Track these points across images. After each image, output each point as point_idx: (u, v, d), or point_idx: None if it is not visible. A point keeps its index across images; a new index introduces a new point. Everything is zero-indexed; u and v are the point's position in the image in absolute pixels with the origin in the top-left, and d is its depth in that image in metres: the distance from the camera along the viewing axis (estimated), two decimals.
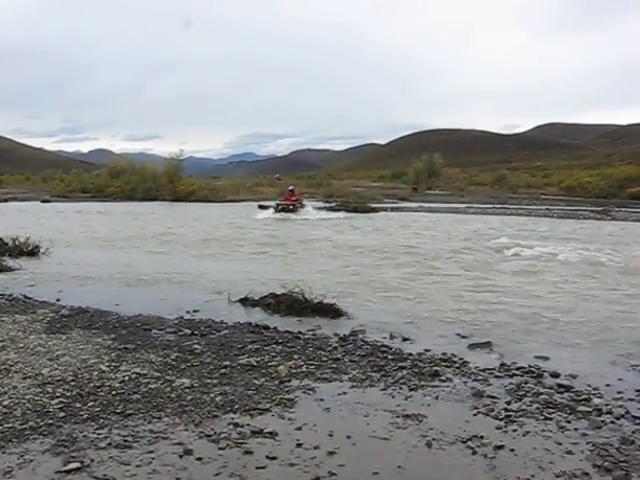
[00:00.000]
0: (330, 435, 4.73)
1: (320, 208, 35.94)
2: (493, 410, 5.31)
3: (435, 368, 6.41)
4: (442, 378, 6.15)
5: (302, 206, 32.73)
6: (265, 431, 4.73)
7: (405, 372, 6.30)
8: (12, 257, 14.04)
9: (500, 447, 4.54)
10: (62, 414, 5.00)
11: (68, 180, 68.22)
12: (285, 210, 30.88)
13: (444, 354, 6.96)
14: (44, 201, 46.45)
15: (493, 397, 5.64)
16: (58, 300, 9.70)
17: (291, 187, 34.96)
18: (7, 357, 6.49)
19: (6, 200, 45.85)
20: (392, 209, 39.14)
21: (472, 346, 7.37)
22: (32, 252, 15.26)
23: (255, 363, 6.44)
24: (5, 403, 5.19)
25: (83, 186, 58.99)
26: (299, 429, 4.84)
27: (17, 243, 15.56)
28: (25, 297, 9.86)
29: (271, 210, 31.40)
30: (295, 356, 6.75)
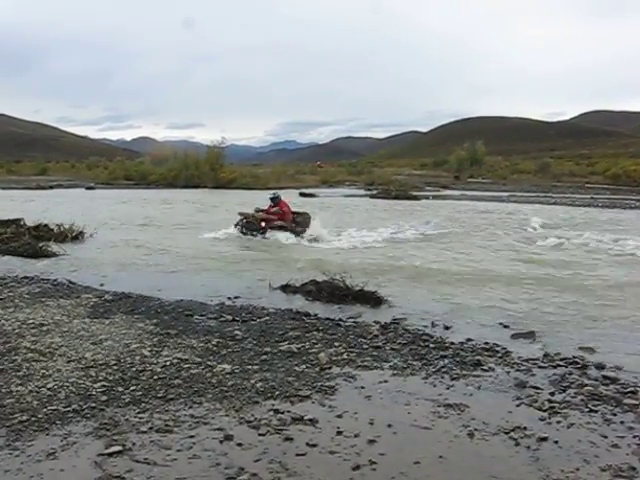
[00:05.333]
0: (371, 423, 4.69)
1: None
2: (536, 401, 5.22)
3: (477, 357, 6.33)
4: (484, 368, 6.07)
5: (297, 228, 17.46)
6: (305, 418, 4.71)
7: (447, 361, 6.23)
8: (57, 242, 14.29)
9: (544, 439, 4.45)
10: (105, 397, 5.05)
11: (112, 168, 69.16)
12: (251, 229, 17.21)
13: (486, 343, 6.86)
14: (88, 188, 47.08)
15: (536, 388, 5.54)
16: (101, 285, 9.83)
17: (272, 192, 18.89)
18: (52, 341, 6.58)
19: (51, 187, 46.59)
20: (433, 197, 38.85)
21: (515, 336, 7.26)
22: (76, 237, 15.48)
23: (296, 350, 6.43)
24: (49, 386, 5.26)
25: (126, 174, 59.70)
26: (339, 417, 4.81)
27: (62, 229, 15.81)
28: (69, 282, 10.00)
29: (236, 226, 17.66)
30: (336, 343, 6.72)
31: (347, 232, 18.32)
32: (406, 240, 17.38)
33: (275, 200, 18.09)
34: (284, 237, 16.72)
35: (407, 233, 18.88)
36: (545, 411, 5.00)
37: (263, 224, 17.30)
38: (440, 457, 4.16)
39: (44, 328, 7.10)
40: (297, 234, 17.01)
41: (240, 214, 17.86)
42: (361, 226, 19.83)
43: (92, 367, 5.78)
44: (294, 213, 18.00)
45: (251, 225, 17.34)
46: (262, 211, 17.92)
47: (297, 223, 17.66)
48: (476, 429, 4.62)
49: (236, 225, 17.49)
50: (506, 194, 41.64)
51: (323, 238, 17.02)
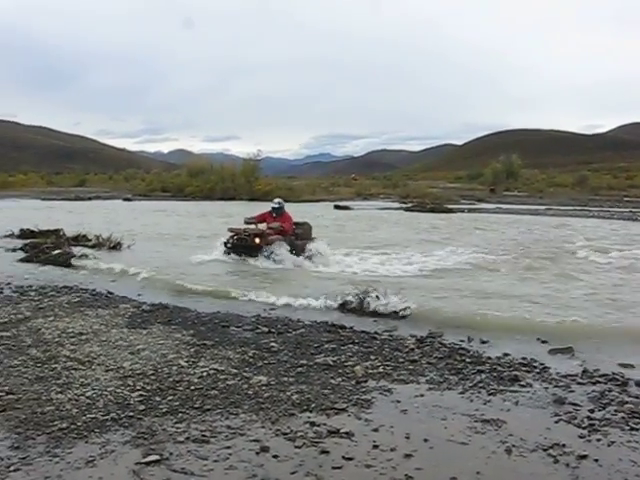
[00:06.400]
0: (407, 437, 4.66)
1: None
2: (575, 418, 5.13)
3: (515, 373, 6.24)
4: (522, 383, 5.99)
5: (297, 241, 14.69)
6: (342, 431, 4.70)
7: (484, 376, 6.17)
8: (95, 252, 14.55)
9: (583, 457, 4.37)
10: (142, 407, 5.10)
11: (149, 179, 70.16)
12: (240, 247, 14.22)
13: (524, 358, 6.78)
14: (126, 200, 47.77)
15: (575, 404, 5.45)
16: (139, 295, 9.94)
17: (277, 201, 15.33)
18: (90, 350, 6.68)
19: (90, 199, 47.29)
20: (469, 210, 38.61)
21: (553, 351, 7.16)
22: (114, 248, 15.71)
23: (332, 362, 6.42)
24: (88, 394, 5.33)
25: (163, 185, 60.47)
26: (376, 430, 4.79)
27: (100, 240, 16.06)
28: (108, 292, 10.14)
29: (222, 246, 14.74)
30: (372, 356, 6.69)
31: (360, 254, 16.10)
32: (446, 270, 13.90)
33: (279, 211, 15.01)
34: (284, 258, 13.86)
35: (449, 259, 15.73)
36: (584, 428, 4.91)
37: (257, 240, 14.08)
38: (477, 473, 4.12)
39: (83, 337, 7.21)
40: (298, 251, 14.29)
41: (230, 230, 14.78)
42: (385, 245, 18.61)
43: (130, 376, 5.84)
44: (294, 224, 15.19)
45: (242, 243, 14.24)
46: (253, 222, 14.94)
47: (297, 235, 14.89)
48: (514, 445, 4.55)
49: (225, 244, 14.50)
50: (543, 207, 41.18)
51: (327, 259, 14.61)
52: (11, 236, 18.59)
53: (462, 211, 37.35)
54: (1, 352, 6.59)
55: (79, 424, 4.71)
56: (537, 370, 6.42)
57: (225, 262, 13.91)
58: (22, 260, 13.84)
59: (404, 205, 42.30)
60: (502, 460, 4.34)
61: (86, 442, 4.44)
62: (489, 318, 8.69)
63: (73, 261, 13.45)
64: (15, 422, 4.75)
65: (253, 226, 14.80)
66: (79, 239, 16.78)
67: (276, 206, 15.05)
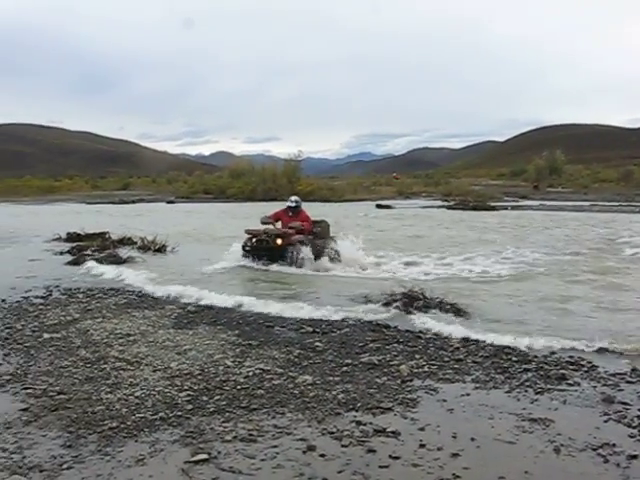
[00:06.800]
0: (454, 437, 4.64)
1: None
2: (625, 417, 5.04)
3: (562, 371, 6.16)
4: (569, 382, 5.90)
5: (316, 240, 13.85)
6: (388, 430, 4.70)
7: (530, 374, 6.10)
8: (141, 255, 14.79)
9: (634, 457, 4.29)
10: (190, 406, 5.17)
11: (191, 182, 71.01)
12: (261, 250, 13.26)
13: (571, 357, 6.68)
14: (169, 202, 48.46)
15: (625, 403, 5.35)
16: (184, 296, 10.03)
17: (294, 199, 14.75)
18: (138, 350, 6.79)
19: (134, 201, 48.00)
20: (512, 207, 38.21)
21: (601, 350, 7.03)
22: (159, 250, 15.90)
23: (377, 362, 6.41)
24: (137, 394, 5.42)
25: (205, 187, 61.12)
26: (422, 429, 4.77)
27: (145, 242, 16.29)
28: (153, 293, 10.26)
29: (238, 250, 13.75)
30: (417, 356, 6.67)
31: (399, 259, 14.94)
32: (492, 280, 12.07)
33: (296, 210, 14.18)
34: (307, 261, 12.94)
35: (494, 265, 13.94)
36: (635, 428, 4.82)
37: (279, 241, 13.11)
38: (526, 472, 4.08)
39: (131, 338, 7.33)
40: (319, 252, 13.43)
41: (248, 232, 13.71)
42: (428, 246, 18.39)
43: (177, 376, 5.92)
44: (312, 222, 14.35)
45: (262, 245, 13.20)
46: (271, 221, 13.94)
47: (315, 234, 14.02)
48: (562, 445, 4.50)
49: (243, 248, 13.52)
50: (587, 203, 40.54)
51: (357, 259, 13.72)
52: (58, 239, 18.98)
53: (505, 208, 37.01)
54: (52, 353, 6.74)
55: (129, 423, 4.79)
56: (585, 369, 6.31)
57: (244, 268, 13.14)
58: (69, 263, 14.09)
59: (446, 203, 42.09)
60: (551, 460, 4.29)
61: (136, 441, 4.51)
62: (535, 315, 8.60)
63: (119, 263, 13.65)
64: (67, 421, 4.86)
65: (271, 226, 13.79)
66: (124, 242, 17.04)
67: (293, 204, 14.22)
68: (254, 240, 13.36)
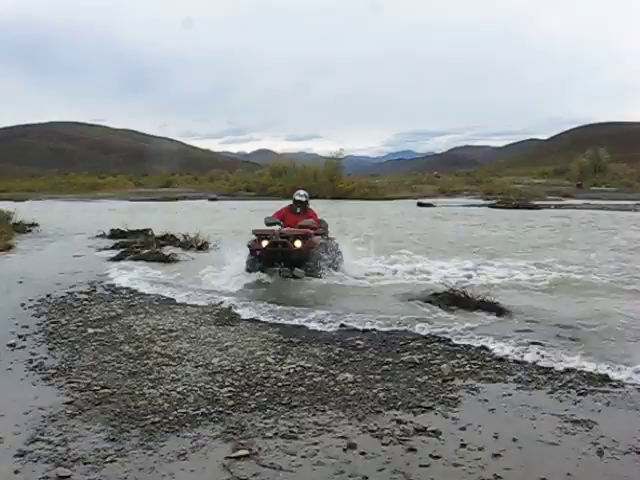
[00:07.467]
0: (495, 437, 4.59)
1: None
2: None
3: (605, 372, 6.07)
4: (613, 383, 5.81)
5: (323, 246, 11.55)
6: (428, 429, 4.67)
7: (573, 375, 6.00)
8: (184, 251, 14.96)
9: None
10: (231, 402, 5.20)
11: (233, 179, 71.61)
12: (278, 254, 10.88)
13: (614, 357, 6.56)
14: (211, 199, 48.81)
15: None
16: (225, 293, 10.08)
17: (303, 193, 12.46)
18: (180, 346, 6.86)
19: (177, 199, 48.49)
20: (555, 206, 37.67)
21: None
22: (201, 248, 16.05)
23: (417, 360, 6.37)
24: (179, 389, 5.47)
25: (247, 185, 61.57)
26: (463, 429, 4.73)
27: (187, 239, 16.46)
28: (195, 290, 10.33)
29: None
30: (458, 355, 6.61)
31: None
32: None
33: (303, 206, 12.14)
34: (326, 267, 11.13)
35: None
36: None
37: (299, 244, 10.77)
38: (568, 474, 4.02)
39: (173, 334, 7.41)
40: (334, 256, 11.91)
41: (256, 233, 11.24)
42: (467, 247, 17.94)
43: (219, 372, 5.96)
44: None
45: (277, 248, 10.80)
46: (277, 222, 11.74)
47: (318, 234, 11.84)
48: (606, 447, 4.41)
49: (252, 252, 11.13)
50: (632, 202, 39.75)
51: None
52: (102, 236, 19.27)
53: (548, 207, 36.48)
54: (95, 348, 6.84)
55: (171, 418, 4.84)
56: (629, 370, 6.20)
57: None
58: (113, 259, 14.28)
59: (488, 202, 41.68)
60: (594, 462, 4.22)
61: (178, 436, 4.56)
62: (576, 315, 8.46)
63: (162, 260, 13.81)
64: (110, 415, 4.93)
65: (277, 227, 11.49)
66: (167, 239, 17.22)
67: (302, 199, 12.11)
68: (264, 244, 10.89)
